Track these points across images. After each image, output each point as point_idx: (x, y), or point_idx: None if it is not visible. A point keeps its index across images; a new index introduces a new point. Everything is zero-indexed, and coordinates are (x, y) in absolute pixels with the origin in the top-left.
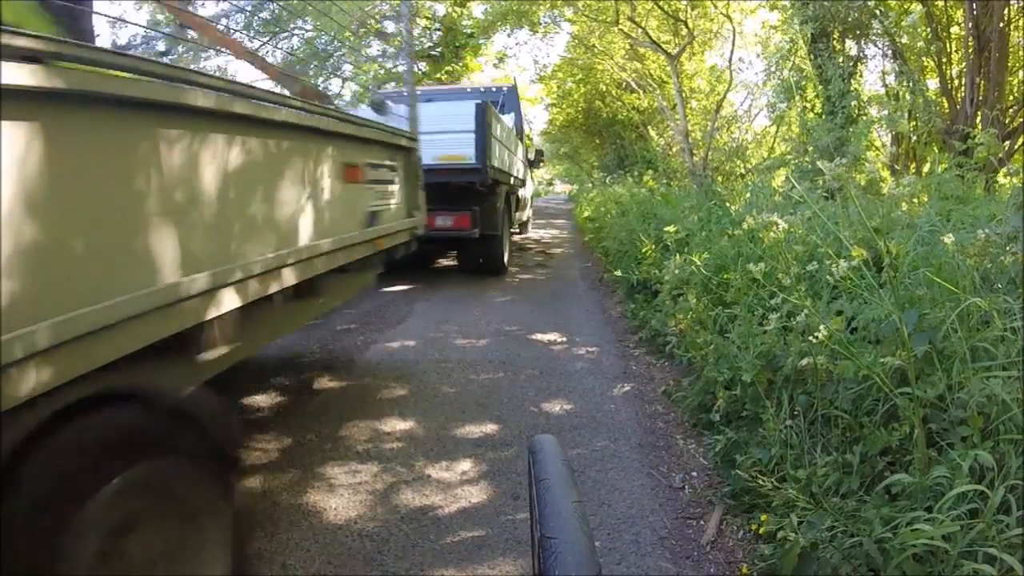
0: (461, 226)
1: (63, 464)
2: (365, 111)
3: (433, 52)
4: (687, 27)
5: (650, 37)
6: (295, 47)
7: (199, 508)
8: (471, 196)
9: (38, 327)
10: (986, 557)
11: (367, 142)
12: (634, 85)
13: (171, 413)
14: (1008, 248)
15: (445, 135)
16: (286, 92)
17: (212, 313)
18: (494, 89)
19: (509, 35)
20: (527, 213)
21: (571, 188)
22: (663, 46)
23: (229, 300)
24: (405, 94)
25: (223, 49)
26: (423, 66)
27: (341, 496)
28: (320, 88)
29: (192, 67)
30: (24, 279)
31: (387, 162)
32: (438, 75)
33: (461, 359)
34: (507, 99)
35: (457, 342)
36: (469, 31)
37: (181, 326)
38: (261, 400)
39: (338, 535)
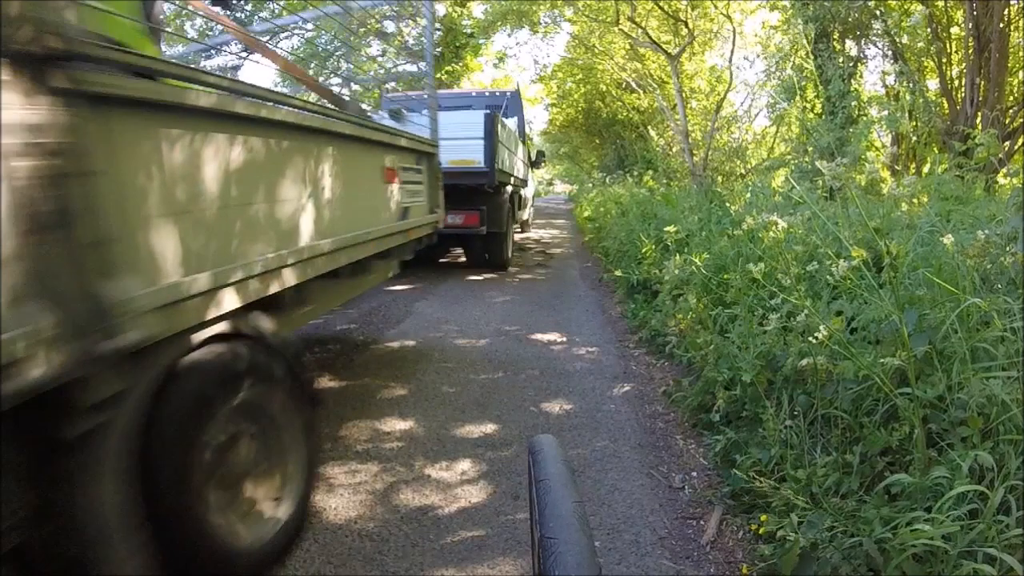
0: (470, 224)
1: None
2: (386, 119)
3: (433, 51)
4: (687, 27)
5: (650, 37)
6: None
7: (284, 426)
8: (479, 196)
9: (199, 276)
10: (986, 558)
11: (400, 149)
12: (634, 85)
13: (271, 351)
14: (1008, 249)
15: (457, 141)
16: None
17: (300, 279)
18: (498, 94)
19: (509, 35)
20: (528, 212)
21: (571, 188)
22: (663, 46)
23: (311, 270)
24: (424, 103)
25: (288, 72)
26: (423, 65)
27: (341, 496)
28: (356, 100)
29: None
30: (186, 248)
31: (415, 166)
32: (438, 75)
33: (461, 359)
34: (510, 103)
35: (457, 342)
36: (469, 31)
37: (282, 286)
38: None
39: (338, 535)
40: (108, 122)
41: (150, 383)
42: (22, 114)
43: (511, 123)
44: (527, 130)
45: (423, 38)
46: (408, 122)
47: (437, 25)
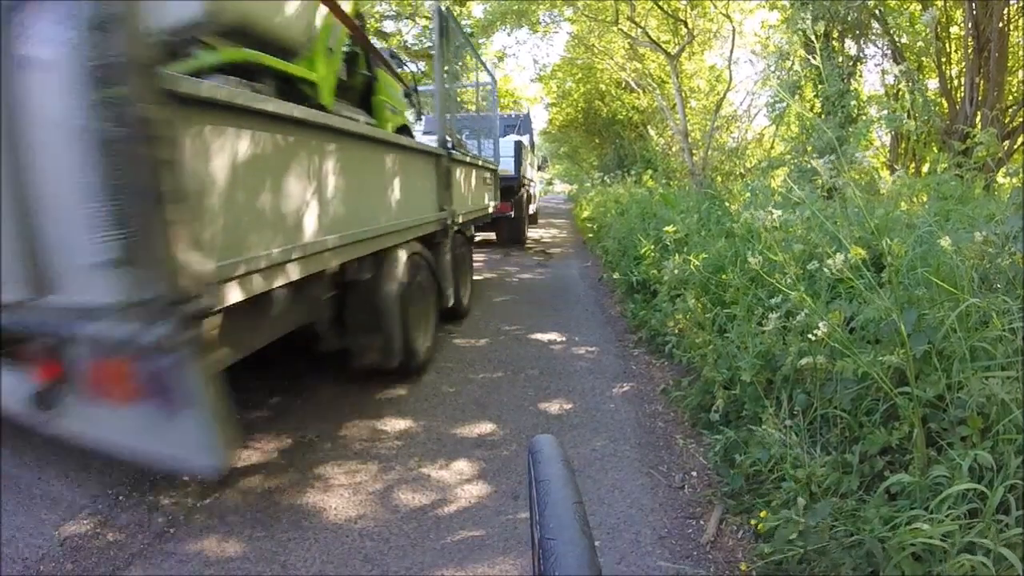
0: (505, 210)
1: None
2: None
3: (433, 52)
4: (687, 27)
5: (649, 37)
6: None
7: (467, 255)
8: (509, 192)
9: (459, 209)
10: (985, 556)
11: (486, 168)
12: (634, 85)
13: (467, 235)
14: (1006, 249)
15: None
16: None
17: (471, 218)
18: (515, 115)
19: (509, 34)
20: (535, 205)
21: (571, 188)
22: (663, 46)
23: (468, 214)
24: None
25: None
26: (423, 66)
27: (341, 496)
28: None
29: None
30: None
31: (489, 176)
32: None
33: (461, 359)
34: (523, 124)
35: (456, 342)
36: (469, 30)
37: (468, 219)
38: (261, 400)
39: (338, 534)
40: (453, 165)
41: (452, 235)
42: (448, 166)
43: (524, 139)
44: (535, 141)
45: (491, 109)
46: (484, 149)
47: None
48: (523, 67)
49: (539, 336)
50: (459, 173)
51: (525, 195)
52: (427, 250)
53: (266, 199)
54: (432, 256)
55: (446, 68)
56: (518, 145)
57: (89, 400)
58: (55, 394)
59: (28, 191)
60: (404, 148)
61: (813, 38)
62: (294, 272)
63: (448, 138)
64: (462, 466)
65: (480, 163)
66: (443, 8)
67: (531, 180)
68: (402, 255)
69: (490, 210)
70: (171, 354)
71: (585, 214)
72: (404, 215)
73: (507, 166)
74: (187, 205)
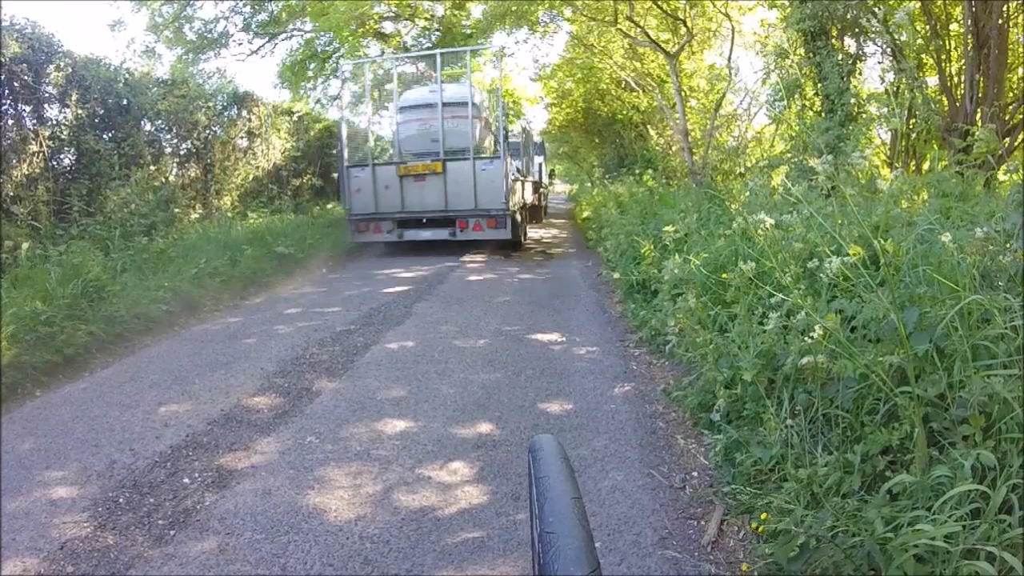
0: (535, 201)
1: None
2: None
3: (432, 53)
4: (686, 26)
5: (649, 36)
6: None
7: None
8: (537, 191)
9: (517, 199)
10: (988, 557)
11: (533, 181)
12: (633, 84)
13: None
14: (1007, 246)
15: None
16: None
17: (530, 204)
18: (536, 143)
19: (508, 34)
20: (546, 200)
21: (571, 188)
22: (662, 45)
23: (529, 198)
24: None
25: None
26: (423, 66)
27: (341, 498)
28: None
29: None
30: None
31: (533, 184)
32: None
33: (461, 359)
34: (539, 147)
35: (456, 342)
36: (468, 31)
37: (526, 205)
38: (261, 401)
39: (338, 537)
40: (528, 182)
41: (528, 206)
42: (526, 182)
43: (541, 159)
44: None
45: (531, 147)
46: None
47: (436, 26)
48: (523, 67)
49: (539, 336)
50: (528, 184)
51: (543, 193)
52: (525, 209)
53: (518, 193)
54: (526, 210)
55: (526, 150)
56: (540, 165)
57: (473, 230)
58: (458, 232)
59: (491, 189)
60: (525, 180)
61: (794, 48)
62: (517, 206)
63: (527, 171)
64: (463, 467)
65: (531, 179)
66: (528, 126)
67: (546, 184)
68: (525, 208)
69: (532, 197)
70: (507, 217)
71: (585, 214)
72: (524, 198)
73: (536, 176)
74: (511, 195)
